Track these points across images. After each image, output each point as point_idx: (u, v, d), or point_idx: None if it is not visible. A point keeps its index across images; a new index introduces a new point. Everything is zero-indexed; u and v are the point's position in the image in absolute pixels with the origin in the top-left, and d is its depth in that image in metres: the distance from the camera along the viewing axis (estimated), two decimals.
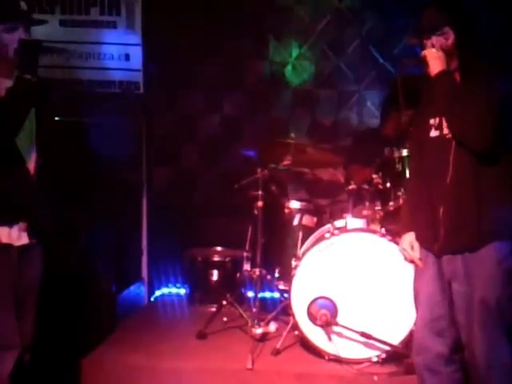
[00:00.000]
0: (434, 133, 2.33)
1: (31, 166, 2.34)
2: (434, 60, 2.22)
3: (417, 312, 2.44)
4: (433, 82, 2.24)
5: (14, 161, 2.27)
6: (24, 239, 2.32)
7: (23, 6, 2.30)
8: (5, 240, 2.28)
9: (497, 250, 2.19)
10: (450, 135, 2.26)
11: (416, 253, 2.41)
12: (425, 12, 2.31)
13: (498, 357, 2.23)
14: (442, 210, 2.26)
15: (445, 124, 2.28)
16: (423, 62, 2.25)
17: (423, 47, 2.28)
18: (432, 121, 2.34)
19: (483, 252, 2.20)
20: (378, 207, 3.36)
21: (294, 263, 3.32)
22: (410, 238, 2.44)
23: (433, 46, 2.25)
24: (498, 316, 2.20)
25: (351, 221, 3.33)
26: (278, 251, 3.70)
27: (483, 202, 2.21)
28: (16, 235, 2.30)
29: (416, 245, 2.42)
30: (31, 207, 2.30)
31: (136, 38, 4.17)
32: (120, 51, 4.17)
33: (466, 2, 2.33)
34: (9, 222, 2.28)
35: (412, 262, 2.44)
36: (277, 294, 3.93)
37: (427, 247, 2.37)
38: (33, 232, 2.32)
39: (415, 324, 2.47)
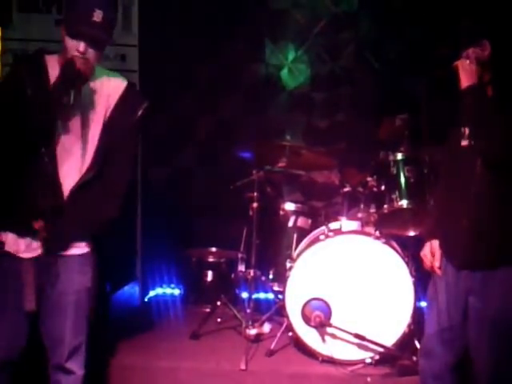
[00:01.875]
0: (464, 142, 2.31)
1: (65, 183, 2.16)
2: (466, 72, 2.20)
3: (429, 318, 2.42)
4: (462, 94, 2.21)
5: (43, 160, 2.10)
6: (35, 251, 2.16)
7: (97, 16, 2.06)
8: (8, 248, 2.17)
9: None
10: None
11: (437, 262, 2.39)
12: (464, 22, 2.29)
13: (504, 376, 2.23)
14: (465, 222, 2.24)
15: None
16: (454, 72, 2.22)
17: (457, 57, 2.24)
18: (463, 129, 2.32)
19: (502, 272, 2.18)
20: (373, 210, 3.36)
21: (288, 265, 3.33)
22: (433, 244, 2.43)
23: (467, 58, 2.22)
24: (509, 338, 2.19)
25: (346, 223, 3.35)
26: (272, 252, 3.71)
27: (507, 220, 2.18)
28: (26, 246, 2.16)
29: (438, 253, 2.40)
30: (48, 220, 2.13)
31: (132, 39, 4.16)
32: (116, 52, 4.15)
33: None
34: (20, 231, 2.16)
35: (432, 269, 2.42)
36: (271, 295, 3.94)
37: (447, 257, 2.35)
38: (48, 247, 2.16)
39: (426, 330, 2.44)
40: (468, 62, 2.21)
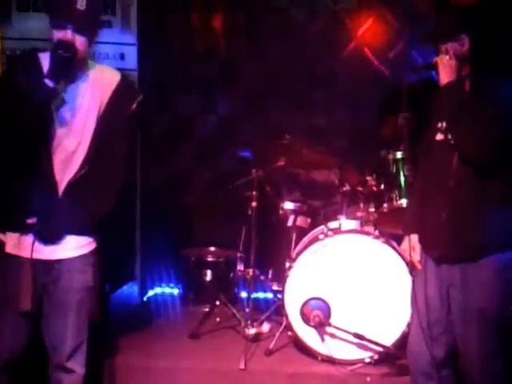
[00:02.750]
0: (439, 136, 2.32)
1: (60, 179, 2.15)
2: (445, 69, 2.21)
3: (413, 314, 2.41)
4: (441, 90, 2.22)
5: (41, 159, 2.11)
6: (36, 252, 2.14)
7: (80, 4, 2.05)
8: (9, 249, 2.17)
9: (497, 261, 2.17)
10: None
11: (417, 255, 2.39)
12: (442, 16, 2.31)
13: (492, 366, 2.23)
14: (444, 216, 2.23)
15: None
16: (434, 68, 2.23)
17: (437, 51, 2.26)
18: (439, 124, 2.32)
19: (483, 262, 2.17)
20: (372, 209, 3.37)
21: (287, 264, 3.32)
22: (412, 239, 2.42)
23: (447, 52, 2.23)
24: (494, 326, 2.19)
25: (345, 222, 3.34)
26: (271, 252, 3.71)
27: (485, 212, 2.18)
28: (26, 246, 2.14)
29: (418, 247, 2.40)
30: (46, 219, 2.13)
31: (131, 38, 4.15)
32: (115, 51, 4.15)
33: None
34: (20, 231, 2.15)
35: (412, 263, 2.42)
36: (270, 295, 3.93)
37: (427, 252, 2.35)
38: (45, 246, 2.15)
39: (411, 327, 2.45)
40: (447, 57, 2.22)
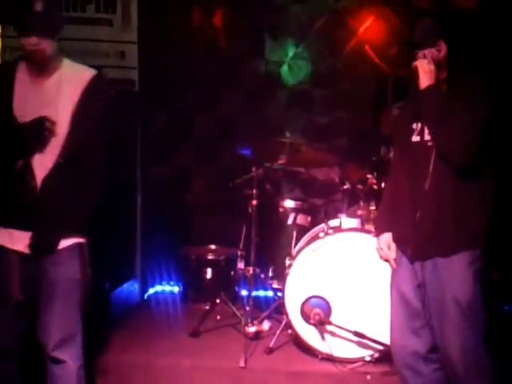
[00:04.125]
0: (415, 138, 2.35)
1: (39, 172, 2.24)
2: (425, 73, 2.24)
3: (391, 311, 2.45)
4: (419, 93, 2.25)
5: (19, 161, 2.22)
6: (23, 245, 2.25)
7: (38, 6, 2.15)
8: (2, 241, 2.26)
9: (468, 254, 2.24)
10: (431, 143, 2.28)
11: (392, 253, 2.44)
12: (419, 23, 2.33)
13: (475, 357, 2.25)
14: (418, 215, 2.29)
15: (426, 131, 2.29)
16: (413, 72, 2.26)
17: (415, 57, 2.29)
18: (414, 125, 2.36)
19: (455, 257, 2.24)
20: (373, 207, 3.37)
21: (287, 262, 3.32)
22: (386, 237, 2.48)
23: (424, 57, 2.26)
24: (470, 315, 2.22)
25: (345, 220, 3.34)
26: (272, 250, 3.70)
27: (461, 212, 2.24)
28: (14, 239, 2.25)
29: (393, 245, 2.45)
30: (30, 216, 2.22)
31: (132, 36, 4.16)
32: (115, 49, 4.15)
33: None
34: (10, 226, 2.24)
35: (387, 261, 2.48)
36: (270, 293, 3.93)
37: (402, 250, 2.40)
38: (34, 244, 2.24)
39: (390, 323, 2.46)
40: (427, 61, 2.25)
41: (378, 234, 2.55)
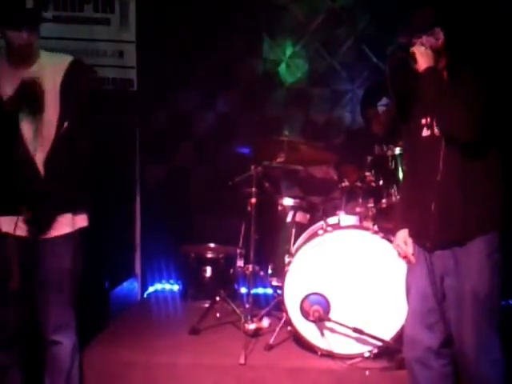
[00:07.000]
0: (425, 132, 2.38)
1: (39, 158, 2.36)
2: (422, 56, 2.27)
3: (408, 306, 2.50)
4: (421, 77, 2.28)
5: (18, 151, 2.31)
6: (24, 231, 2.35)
7: (29, 3, 2.32)
8: (5, 229, 2.35)
9: (485, 244, 2.26)
10: (439, 134, 2.30)
11: (410, 248, 2.47)
12: (416, 12, 2.35)
13: (488, 351, 2.27)
14: (433, 206, 2.31)
15: (435, 123, 2.32)
16: (412, 59, 2.29)
17: (412, 46, 2.31)
18: (424, 120, 2.38)
19: (472, 246, 2.27)
20: (371, 204, 3.38)
21: (287, 260, 3.33)
22: (403, 234, 2.50)
23: (422, 45, 2.29)
24: (488, 308, 2.26)
25: (344, 218, 3.35)
26: (271, 248, 3.71)
27: (469, 198, 2.27)
28: (17, 226, 2.33)
29: (409, 241, 2.48)
30: (35, 201, 2.32)
31: (130, 35, 4.16)
32: (114, 48, 4.16)
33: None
34: (12, 213, 2.33)
35: (405, 257, 2.50)
36: (270, 290, 3.95)
37: (419, 243, 2.42)
38: (32, 226, 2.34)
39: (406, 317, 2.51)
40: (424, 48, 2.28)
41: (395, 231, 2.57)
